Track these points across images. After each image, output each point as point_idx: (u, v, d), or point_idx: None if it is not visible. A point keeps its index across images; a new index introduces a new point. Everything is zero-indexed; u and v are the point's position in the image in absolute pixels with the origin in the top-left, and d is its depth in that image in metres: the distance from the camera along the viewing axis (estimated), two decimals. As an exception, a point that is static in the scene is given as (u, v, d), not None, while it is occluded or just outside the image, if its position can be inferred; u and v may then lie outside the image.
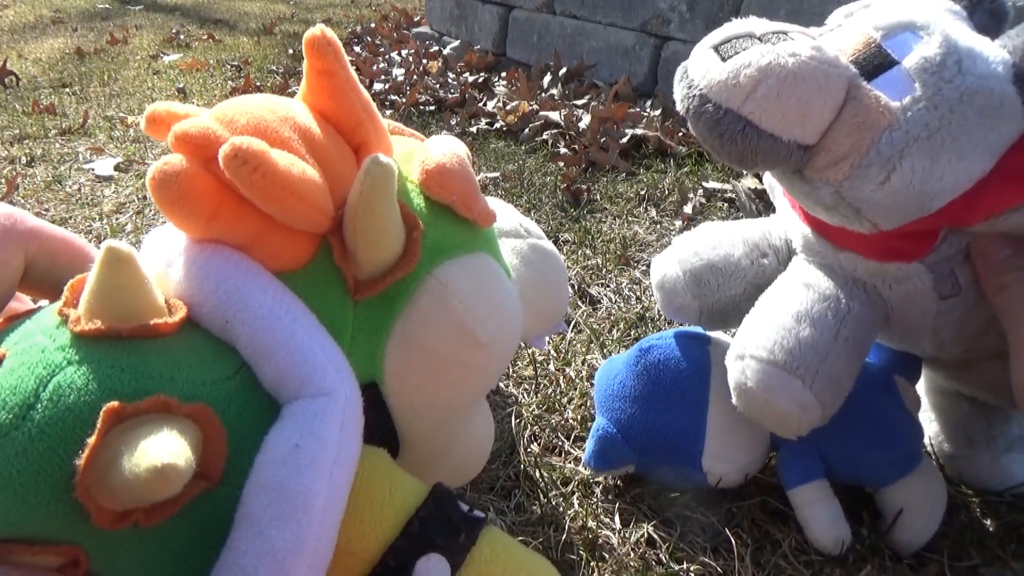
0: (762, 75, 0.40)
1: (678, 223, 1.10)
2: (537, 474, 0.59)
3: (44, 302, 0.36)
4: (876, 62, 0.41)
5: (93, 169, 1.36)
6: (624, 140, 1.41)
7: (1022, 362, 0.38)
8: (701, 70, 0.42)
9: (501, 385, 0.71)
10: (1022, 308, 0.40)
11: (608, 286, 0.92)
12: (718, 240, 0.58)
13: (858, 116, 0.41)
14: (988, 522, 0.56)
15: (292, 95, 0.39)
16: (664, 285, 0.59)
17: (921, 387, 0.62)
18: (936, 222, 0.43)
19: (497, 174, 1.31)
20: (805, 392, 0.46)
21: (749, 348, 0.47)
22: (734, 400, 0.49)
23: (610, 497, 0.57)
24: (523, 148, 1.51)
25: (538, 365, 0.74)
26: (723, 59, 0.42)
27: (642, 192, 1.21)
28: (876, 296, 0.50)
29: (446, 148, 0.38)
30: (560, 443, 0.63)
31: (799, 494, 0.52)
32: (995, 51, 0.40)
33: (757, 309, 0.50)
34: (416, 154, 0.39)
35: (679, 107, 0.44)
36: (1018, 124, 0.40)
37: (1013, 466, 0.58)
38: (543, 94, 1.78)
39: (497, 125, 1.65)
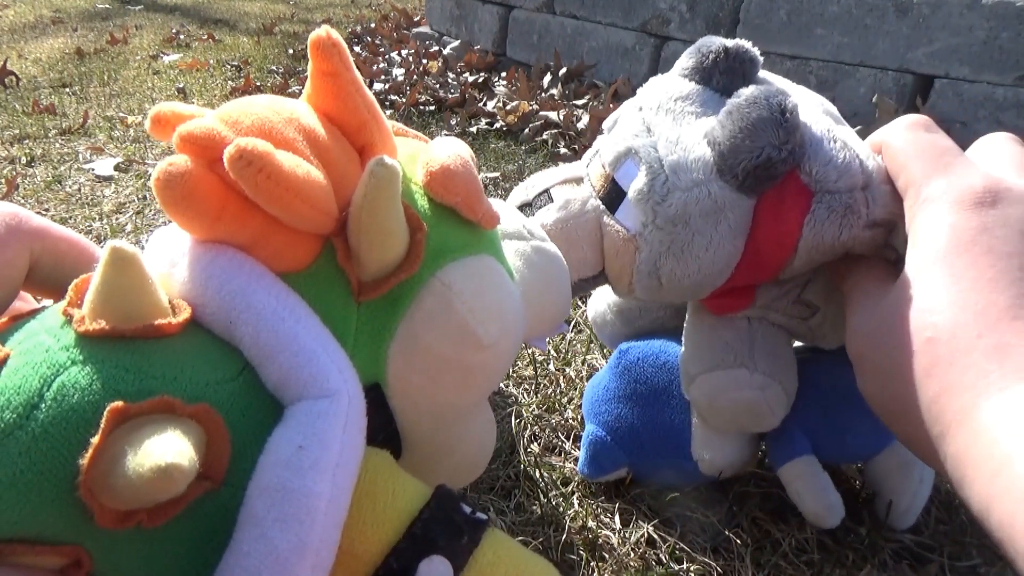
0: None
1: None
2: (537, 474, 0.59)
3: (48, 302, 0.36)
4: (613, 196, 0.48)
5: (93, 169, 1.36)
6: (624, 141, 1.41)
7: (849, 327, 0.41)
8: None
9: (501, 385, 0.71)
10: (852, 296, 0.43)
11: (608, 287, 0.92)
12: None
13: (613, 248, 0.48)
14: (988, 523, 0.56)
15: (292, 95, 0.39)
16: (595, 320, 0.66)
17: None
18: (738, 283, 0.48)
19: (497, 174, 1.32)
20: (754, 374, 0.50)
21: (691, 371, 0.52)
22: (708, 421, 0.53)
23: (610, 497, 0.57)
24: (523, 148, 1.51)
25: (538, 365, 0.74)
26: None
27: (642, 193, 1.21)
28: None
29: (450, 150, 0.38)
30: (560, 443, 0.63)
31: (788, 470, 0.53)
32: (699, 150, 0.44)
33: (684, 335, 0.55)
34: (420, 156, 0.39)
35: None
36: (744, 205, 0.43)
37: None
38: (543, 94, 1.79)
39: (497, 125, 1.65)
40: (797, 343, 0.55)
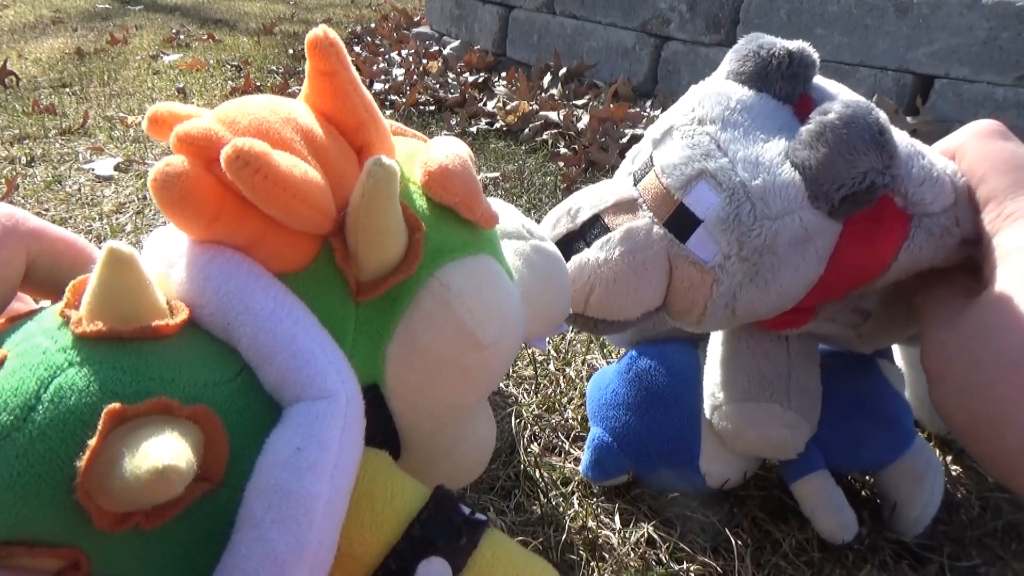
0: (588, 288, 0.45)
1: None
2: (537, 474, 0.59)
3: (46, 303, 0.35)
4: (684, 222, 0.43)
5: (93, 169, 1.36)
6: (624, 140, 1.41)
7: (927, 340, 0.40)
8: None
9: (501, 385, 0.71)
10: (924, 319, 0.41)
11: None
12: None
13: (685, 281, 0.44)
14: (989, 522, 0.56)
15: (292, 95, 0.38)
16: None
17: None
18: (805, 304, 0.45)
19: (497, 174, 1.32)
20: (787, 412, 0.48)
21: (720, 397, 0.50)
22: (729, 445, 0.52)
23: (610, 497, 0.57)
24: (523, 148, 1.51)
25: (538, 365, 0.74)
26: None
27: (642, 192, 1.20)
28: (799, 331, 0.52)
29: (448, 149, 0.38)
30: (560, 443, 0.63)
31: (801, 486, 0.52)
32: (785, 174, 0.40)
33: (712, 359, 0.53)
34: (418, 155, 0.39)
35: None
36: (832, 230, 0.40)
37: None
38: (543, 94, 1.78)
39: (497, 125, 1.65)
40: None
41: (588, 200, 0.47)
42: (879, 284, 0.43)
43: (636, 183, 0.46)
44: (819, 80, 0.45)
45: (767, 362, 0.49)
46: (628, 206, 0.45)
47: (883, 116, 0.37)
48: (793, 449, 0.50)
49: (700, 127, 0.43)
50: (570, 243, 0.46)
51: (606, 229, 0.45)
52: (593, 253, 0.44)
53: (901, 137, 0.41)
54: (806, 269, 0.41)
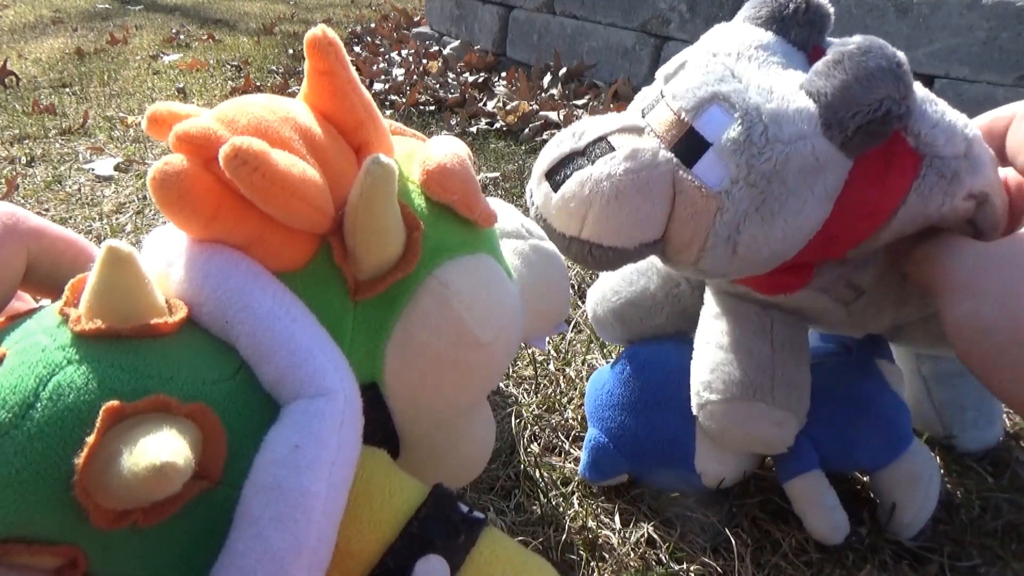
0: (587, 204, 0.42)
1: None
2: (537, 474, 0.59)
3: (45, 301, 0.36)
4: (692, 146, 0.41)
5: (93, 169, 1.36)
6: (624, 140, 1.41)
7: (946, 304, 0.39)
8: (541, 202, 0.45)
9: (501, 385, 0.71)
10: (936, 268, 0.41)
11: (608, 286, 0.92)
12: (635, 275, 0.62)
13: (688, 208, 0.42)
14: (989, 522, 0.55)
15: (292, 95, 0.39)
16: (595, 319, 0.64)
17: None
18: (805, 259, 0.44)
19: (497, 174, 1.32)
20: (773, 410, 0.48)
21: (704, 394, 0.50)
22: (718, 442, 0.52)
23: (610, 497, 0.57)
24: (523, 148, 1.51)
25: (538, 365, 0.74)
26: (554, 189, 0.43)
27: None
28: (790, 307, 0.51)
29: (447, 148, 0.38)
30: (560, 443, 0.63)
31: (795, 485, 0.52)
32: (800, 101, 0.39)
33: (697, 352, 0.53)
34: (417, 154, 0.39)
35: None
36: (841, 167, 0.39)
37: (968, 443, 0.62)
38: (543, 94, 1.78)
39: (497, 125, 1.65)
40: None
41: (593, 124, 0.45)
42: (882, 239, 0.42)
43: (644, 116, 0.45)
44: (834, 40, 0.45)
45: (750, 359, 0.49)
46: (634, 130, 0.44)
47: (902, 54, 0.37)
48: (782, 444, 0.49)
49: (715, 58, 0.43)
50: (570, 162, 0.44)
51: (611, 148, 0.43)
52: (596, 168, 0.42)
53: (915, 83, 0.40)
54: (814, 205, 0.40)
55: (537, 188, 0.45)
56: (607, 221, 0.42)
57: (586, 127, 0.45)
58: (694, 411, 0.51)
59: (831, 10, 0.43)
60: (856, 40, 0.38)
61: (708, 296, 0.56)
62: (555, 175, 0.43)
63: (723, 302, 0.54)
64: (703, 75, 0.42)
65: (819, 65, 0.39)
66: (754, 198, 0.40)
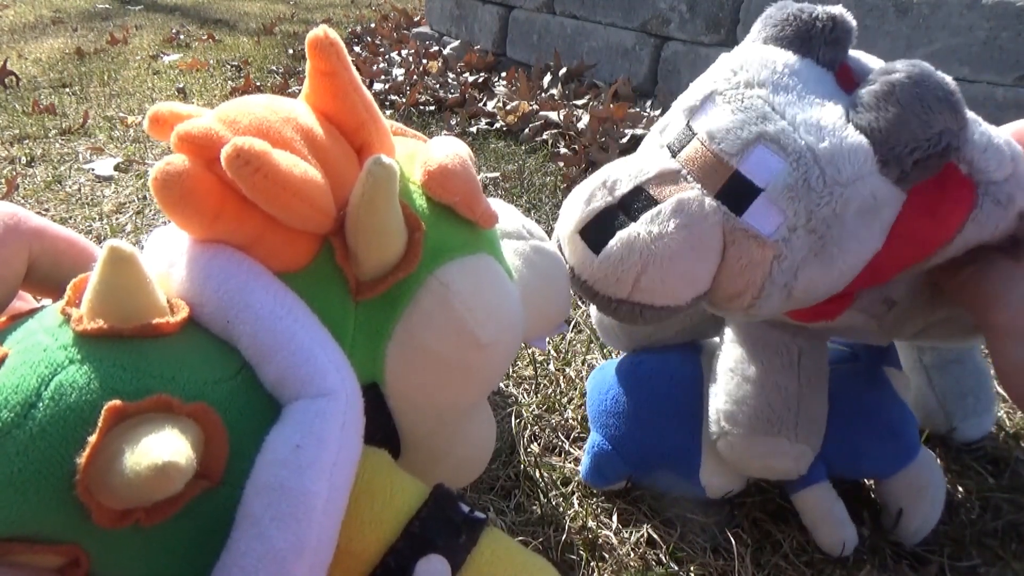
0: (638, 268, 0.39)
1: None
2: (537, 474, 0.59)
3: (47, 301, 0.36)
4: (739, 192, 0.38)
5: (93, 169, 1.36)
6: (624, 140, 1.41)
7: (1002, 345, 0.38)
8: (578, 263, 0.42)
9: (501, 385, 0.71)
10: (986, 300, 0.40)
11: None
12: None
13: (743, 258, 0.39)
14: (989, 522, 0.56)
15: (292, 95, 0.39)
16: (601, 326, 0.62)
17: None
18: (851, 289, 0.43)
19: (497, 174, 1.32)
20: (794, 445, 0.47)
21: (726, 425, 0.49)
22: (732, 468, 0.51)
23: (610, 497, 0.57)
24: (523, 148, 1.51)
25: (538, 365, 0.74)
26: (594, 251, 0.40)
27: (642, 193, 1.20)
28: (821, 327, 0.50)
29: (448, 149, 0.38)
30: (560, 443, 0.63)
31: (803, 498, 0.52)
32: (852, 137, 0.37)
33: (720, 379, 0.50)
34: (418, 155, 0.39)
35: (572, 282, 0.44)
36: (897, 200, 0.38)
37: (968, 432, 0.62)
38: (543, 94, 1.78)
39: (497, 125, 1.65)
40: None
41: (625, 172, 0.42)
42: (932, 263, 0.41)
43: (675, 155, 0.41)
44: (853, 52, 0.44)
45: (777, 395, 0.48)
46: (671, 177, 0.40)
47: (948, 77, 0.35)
48: (796, 475, 0.49)
49: (749, 90, 0.40)
50: (608, 219, 0.40)
51: (653, 201, 0.40)
52: (643, 227, 0.39)
53: None
54: (870, 243, 0.38)
55: (569, 243, 0.42)
56: (662, 282, 0.39)
57: (617, 175, 0.42)
58: (712, 436, 0.50)
59: (854, 24, 0.41)
60: (902, 67, 0.36)
61: (733, 321, 0.54)
62: (590, 232, 0.41)
63: (752, 331, 0.52)
64: (742, 112, 0.39)
65: (865, 96, 0.37)
66: (813, 244, 0.38)
